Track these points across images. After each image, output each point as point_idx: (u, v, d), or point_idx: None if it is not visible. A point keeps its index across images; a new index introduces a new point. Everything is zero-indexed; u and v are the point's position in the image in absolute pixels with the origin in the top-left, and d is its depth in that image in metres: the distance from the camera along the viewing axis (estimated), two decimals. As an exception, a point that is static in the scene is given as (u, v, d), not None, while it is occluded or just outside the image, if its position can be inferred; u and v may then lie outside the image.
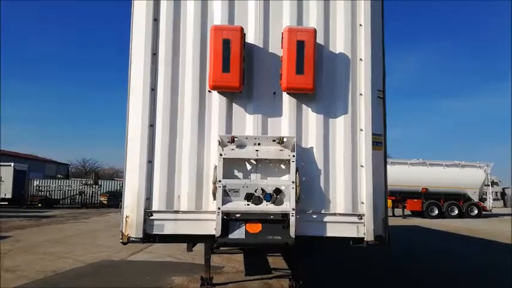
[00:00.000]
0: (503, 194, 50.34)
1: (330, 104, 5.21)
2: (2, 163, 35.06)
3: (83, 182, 37.19)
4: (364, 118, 5.18)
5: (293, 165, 4.86)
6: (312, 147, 5.13)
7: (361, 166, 5.14)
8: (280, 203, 4.86)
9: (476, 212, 29.47)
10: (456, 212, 29.27)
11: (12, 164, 33.59)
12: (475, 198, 29.63)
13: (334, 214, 5.05)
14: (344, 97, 5.23)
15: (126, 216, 4.95)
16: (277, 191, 4.85)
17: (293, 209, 4.78)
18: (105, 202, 34.81)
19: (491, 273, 9.55)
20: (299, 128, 5.15)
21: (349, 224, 5.05)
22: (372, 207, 5.05)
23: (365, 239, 5.01)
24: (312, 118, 5.18)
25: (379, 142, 5.24)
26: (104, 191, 36.66)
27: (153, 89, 5.10)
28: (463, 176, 28.87)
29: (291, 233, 4.76)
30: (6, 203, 32.01)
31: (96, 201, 35.54)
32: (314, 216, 5.04)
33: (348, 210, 5.06)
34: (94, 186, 36.57)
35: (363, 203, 5.08)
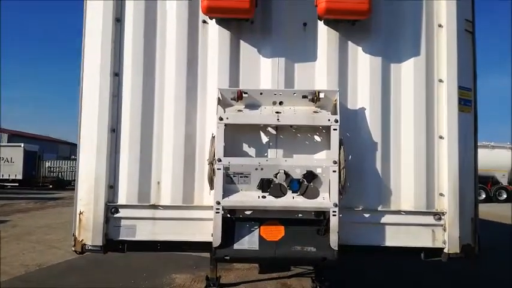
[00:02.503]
0: (531, 176, 47.91)
1: (392, 40, 3.35)
2: (12, 143, 34.21)
3: (95, 163, 35.98)
4: (445, 62, 3.32)
5: (335, 136, 3.05)
6: (362, 109, 3.30)
7: (441, 137, 3.29)
8: (315, 194, 3.08)
9: (505, 196, 27.22)
10: (483, 196, 26.95)
11: (22, 145, 32.52)
12: (504, 182, 27.35)
13: (398, 212, 3.26)
14: (414, 29, 3.36)
15: (80, 213, 3.26)
16: (310, 175, 3.07)
17: (335, 205, 3.00)
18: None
19: None
20: (343, 77, 3.33)
21: (420, 228, 3.26)
22: (457, 201, 3.24)
23: (445, 251, 3.21)
24: (363, 62, 3.33)
25: (467, 100, 3.37)
26: (117, 172, 35.34)
27: (119, 20, 3.33)
28: (491, 158, 26.50)
29: (331, 242, 3.00)
30: (17, 184, 31.16)
31: (108, 182, 34.37)
32: (366, 216, 3.25)
33: (420, 206, 3.26)
34: (106, 167, 35.35)
35: (442, 194, 3.26)
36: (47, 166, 34.93)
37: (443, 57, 3.32)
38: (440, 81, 3.32)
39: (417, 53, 3.34)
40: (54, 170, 34.84)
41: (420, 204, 3.26)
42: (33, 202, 20.83)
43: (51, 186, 31.88)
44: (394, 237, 3.25)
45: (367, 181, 3.26)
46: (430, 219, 3.25)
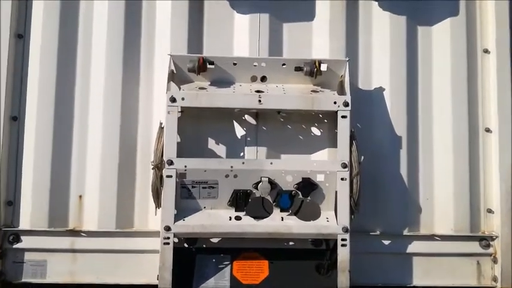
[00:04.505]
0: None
1: None
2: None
3: None
4: (493, 25, 2.37)
5: (345, 126, 2.05)
6: (380, 89, 2.32)
7: (487, 131, 2.35)
8: (314, 213, 2.07)
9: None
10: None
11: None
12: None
13: (431, 237, 2.29)
14: (452, -23, 2.40)
15: (-38, 243, 2.16)
16: (307, 185, 2.05)
17: (345, 229, 2.00)
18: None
19: None
20: (352, 44, 2.33)
21: (461, 259, 2.31)
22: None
23: (496, 291, 2.26)
24: (381, 23, 2.36)
25: (521, 79, 2.43)
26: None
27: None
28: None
29: (340, 285, 1.99)
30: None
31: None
32: (386, 243, 2.26)
33: (461, 228, 2.30)
34: None
35: (491, 211, 2.31)
36: None
37: (490, 18, 2.38)
38: (486, 51, 2.38)
39: (454, 11, 2.38)
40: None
41: (461, 225, 2.29)
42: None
43: None
44: (425, 273, 2.27)
45: (387, 193, 2.27)
46: (474, 247, 2.29)
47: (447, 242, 2.28)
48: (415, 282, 2.26)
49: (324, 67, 2.10)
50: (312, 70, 2.10)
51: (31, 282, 2.19)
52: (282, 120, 2.24)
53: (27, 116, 2.21)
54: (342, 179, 2.02)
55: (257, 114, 2.24)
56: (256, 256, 2.13)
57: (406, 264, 2.26)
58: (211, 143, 2.23)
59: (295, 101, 2.08)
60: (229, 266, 2.10)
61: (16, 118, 2.21)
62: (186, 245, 2.14)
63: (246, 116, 2.24)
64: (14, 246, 2.17)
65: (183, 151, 2.06)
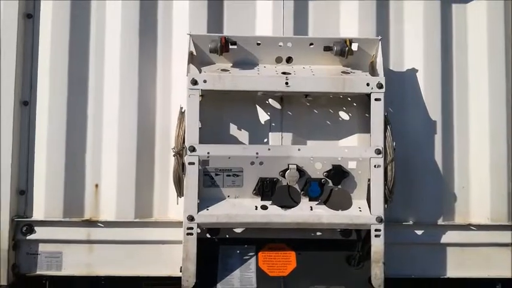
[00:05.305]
0: None
1: None
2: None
3: None
4: (533, 2, 2.22)
5: (378, 109, 1.92)
6: (413, 71, 2.18)
7: (525, 114, 2.21)
8: (345, 203, 1.95)
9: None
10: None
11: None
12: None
13: (466, 227, 2.16)
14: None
15: (-26, 234, 2.05)
16: (338, 173, 1.92)
17: (380, 219, 1.88)
18: None
19: None
20: (382, 24, 2.19)
21: (496, 250, 2.19)
22: (551, 209, 2.16)
23: (533, 283, 2.15)
24: (413, 2, 2.20)
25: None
26: None
27: None
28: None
29: (373, 278, 1.90)
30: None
31: None
32: (419, 233, 2.14)
33: (497, 217, 2.18)
34: None
35: (529, 200, 2.18)
36: None
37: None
38: (524, 32, 2.24)
39: (491, -13, 2.23)
40: None
41: (498, 214, 2.16)
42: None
43: None
44: (459, 264, 2.16)
45: (421, 181, 2.14)
46: (510, 237, 2.17)
47: (483, 232, 2.16)
48: (449, 274, 2.15)
49: (355, 46, 1.97)
50: (342, 49, 1.96)
51: (46, 275, 2.09)
52: (308, 104, 2.11)
53: (38, 100, 2.09)
54: (376, 166, 1.90)
55: (282, 98, 2.10)
56: (282, 247, 2.03)
57: (440, 255, 2.15)
58: (233, 129, 2.10)
59: (326, 83, 1.94)
60: (254, 258, 1.99)
61: (27, 103, 2.10)
62: (208, 236, 2.03)
63: (270, 100, 2.11)
64: (28, 237, 2.07)
65: (203, 137, 1.92)
